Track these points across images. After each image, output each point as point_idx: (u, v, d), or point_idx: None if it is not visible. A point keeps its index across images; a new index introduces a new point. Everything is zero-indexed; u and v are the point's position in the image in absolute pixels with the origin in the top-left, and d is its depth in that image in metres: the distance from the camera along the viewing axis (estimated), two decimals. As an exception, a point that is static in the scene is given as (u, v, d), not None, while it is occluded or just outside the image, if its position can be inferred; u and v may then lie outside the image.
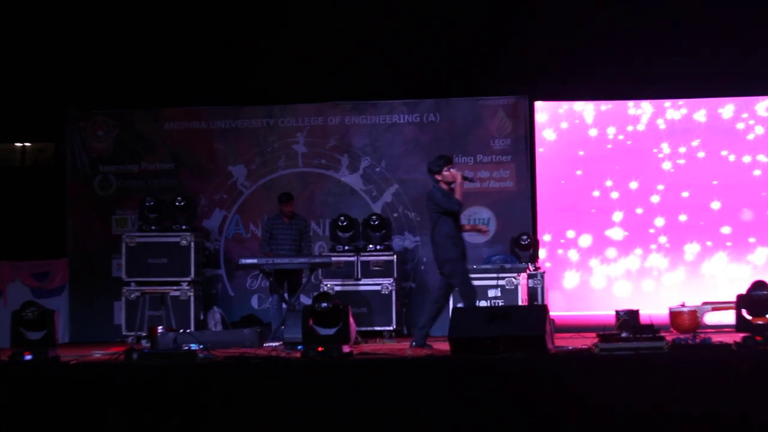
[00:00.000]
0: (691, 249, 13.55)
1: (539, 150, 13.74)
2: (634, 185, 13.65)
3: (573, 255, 13.68)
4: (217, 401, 7.73)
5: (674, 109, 13.67)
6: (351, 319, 8.88)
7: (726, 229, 13.50)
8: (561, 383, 7.59)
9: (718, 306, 12.12)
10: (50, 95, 13.76)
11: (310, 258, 12.21)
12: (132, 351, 8.53)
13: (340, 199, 13.82)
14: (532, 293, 12.63)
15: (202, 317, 12.97)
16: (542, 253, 13.40)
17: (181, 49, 13.47)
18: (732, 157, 13.52)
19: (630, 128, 13.72)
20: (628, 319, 11.01)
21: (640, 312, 10.59)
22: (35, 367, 8.35)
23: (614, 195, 13.69)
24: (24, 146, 14.71)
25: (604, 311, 12.19)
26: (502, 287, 12.32)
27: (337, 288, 12.72)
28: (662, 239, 13.60)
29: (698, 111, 13.62)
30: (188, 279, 12.81)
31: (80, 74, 13.69)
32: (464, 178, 10.28)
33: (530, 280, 12.69)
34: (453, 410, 7.51)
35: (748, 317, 8.56)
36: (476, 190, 13.44)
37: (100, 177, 13.98)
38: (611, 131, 13.75)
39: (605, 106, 13.76)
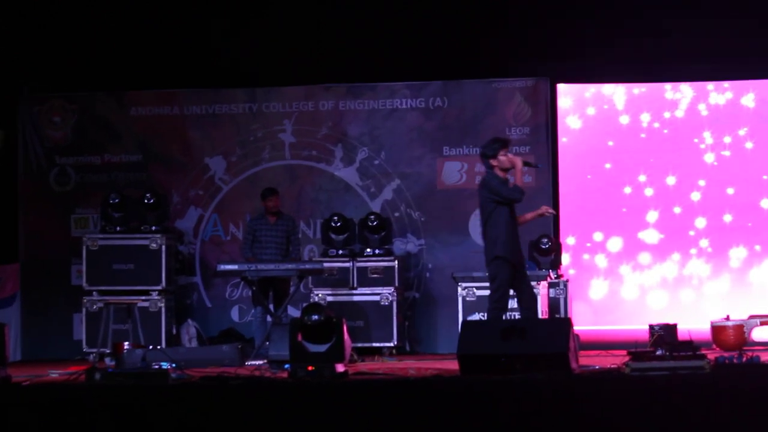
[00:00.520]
0: (737, 254, 13.58)
1: (562, 140, 13.77)
2: (671, 180, 13.68)
3: (601, 261, 13.71)
4: (192, 428, 7.74)
5: (718, 93, 13.69)
6: (346, 334, 8.90)
7: (777, 232, 13.57)
8: (586, 408, 7.60)
9: (767, 320, 12.14)
10: (-2, 75, 13.80)
11: (299, 264, 12.23)
12: (94, 371, 8.54)
13: (333, 196, 13.85)
14: (553, 304, 12.65)
15: (174, 331, 13.00)
16: (565, 258, 13.42)
17: (151, 22, 13.45)
18: (785, 148, 13.59)
19: (667, 115, 13.74)
20: (664, 334, 11.07)
21: (677, 326, 10.62)
22: (-19, 390, 8.37)
23: (648, 192, 13.71)
24: (-33, 135, 14.75)
25: (637, 325, 12.23)
26: (520, 298, 12.32)
27: (330, 298, 12.75)
28: (704, 243, 13.62)
29: (746, 95, 13.64)
30: (159, 288, 12.83)
31: (33, 51, 13.69)
32: (525, 164, 10.33)
33: (551, 290, 12.71)
34: (462, 439, 7.54)
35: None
36: (490, 186, 13.46)
37: (57, 170, 14.00)
38: (645, 118, 13.77)
39: (638, 88, 13.77)
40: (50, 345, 13.46)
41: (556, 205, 13.47)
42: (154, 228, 12.96)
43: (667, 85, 13.73)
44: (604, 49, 13.09)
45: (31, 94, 14.02)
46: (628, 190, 13.74)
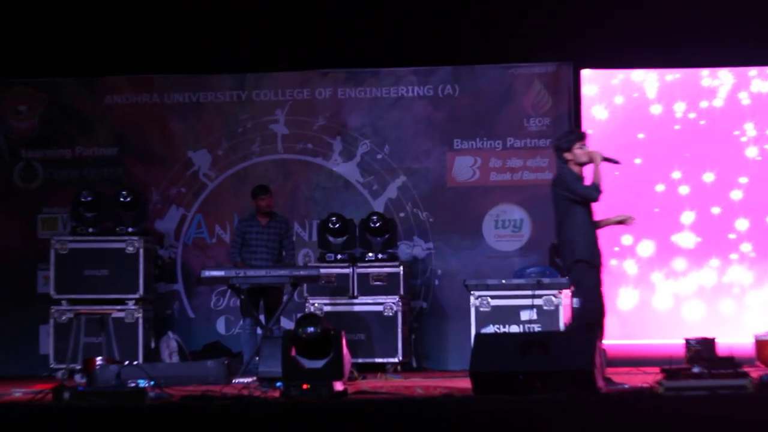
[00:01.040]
0: (783, 260, 13.61)
1: (587, 132, 13.73)
2: (709, 177, 13.67)
3: (630, 267, 13.71)
4: (173, 454, 7.74)
5: (762, 80, 13.70)
6: (345, 349, 8.89)
7: (828, 235, 13.56)
8: (615, 431, 7.59)
9: (816, 333, 12.17)
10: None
11: (293, 270, 12.24)
12: (62, 389, 8.53)
13: (331, 195, 13.87)
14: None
15: (153, 345, 13.01)
16: (591, 264, 13.41)
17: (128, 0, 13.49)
18: (837, 142, 13.59)
19: (704, 104, 13.74)
20: (702, 349, 11.04)
21: (716, 341, 10.58)
22: (-62, 410, 8.36)
23: (684, 190, 13.71)
24: None
25: (671, 339, 12.21)
26: (539, 308, 12.33)
27: (327, 308, 12.77)
28: (745, 247, 13.62)
29: (793, 82, 13.68)
30: (135, 296, 12.85)
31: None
32: (605, 159, 10.34)
33: (575, 299, 12.69)
34: (476, 466, 7.53)
35: None
36: (507, 184, 13.47)
37: (23, 165, 14.02)
38: (680, 108, 13.77)
39: (672, 75, 13.78)
40: (13, 360, 13.47)
41: (580, 204, 13.49)
42: (130, 230, 12.97)
43: (704, 71, 13.73)
44: (634, 30, 13.10)
45: (-7, 81, 14.06)
46: (660, 188, 13.74)
